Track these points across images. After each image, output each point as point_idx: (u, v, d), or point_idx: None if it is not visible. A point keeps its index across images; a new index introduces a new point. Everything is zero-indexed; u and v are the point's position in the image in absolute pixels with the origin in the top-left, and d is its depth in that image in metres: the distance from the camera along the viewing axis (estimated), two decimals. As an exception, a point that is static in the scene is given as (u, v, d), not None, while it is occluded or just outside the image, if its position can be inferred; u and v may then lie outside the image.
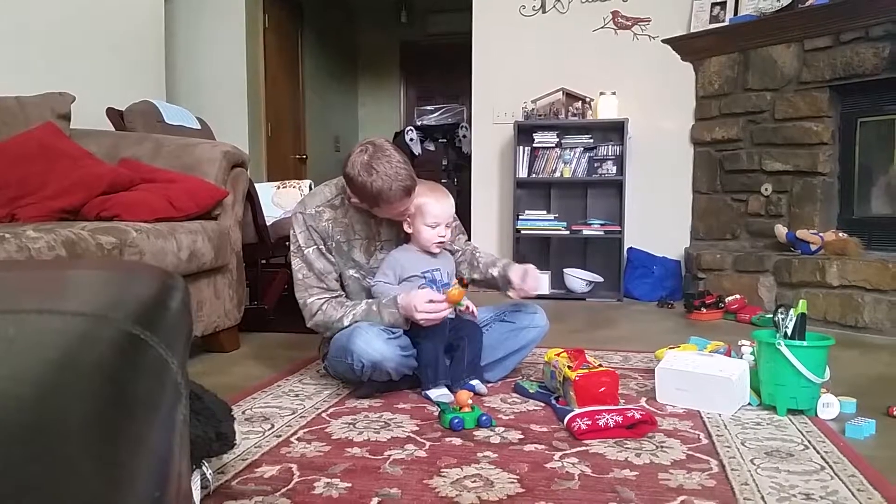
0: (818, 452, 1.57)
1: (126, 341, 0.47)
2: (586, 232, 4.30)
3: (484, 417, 1.75)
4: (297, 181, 4.08)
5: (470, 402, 1.79)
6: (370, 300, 2.07)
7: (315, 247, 2.08)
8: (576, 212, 4.46)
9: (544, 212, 4.44)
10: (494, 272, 2.22)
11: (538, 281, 2.16)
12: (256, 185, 3.24)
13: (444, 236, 2.11)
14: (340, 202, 2.13)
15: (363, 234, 2.14)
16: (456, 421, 1.72)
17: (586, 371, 1.85)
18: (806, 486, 1.38)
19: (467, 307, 2.08)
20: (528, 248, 4.52)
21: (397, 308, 1.99)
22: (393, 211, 2.03)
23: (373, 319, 2.01)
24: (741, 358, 2.12)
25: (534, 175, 4.39)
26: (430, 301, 1.96)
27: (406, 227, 2.12)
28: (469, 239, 2.51)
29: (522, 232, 4.38)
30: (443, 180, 5.85)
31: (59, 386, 0.39)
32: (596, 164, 4.34)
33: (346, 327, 2.02)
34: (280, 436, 1.68)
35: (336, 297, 2.10)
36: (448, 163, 6.17)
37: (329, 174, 3.39)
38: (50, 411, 0.37)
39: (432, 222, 2.08)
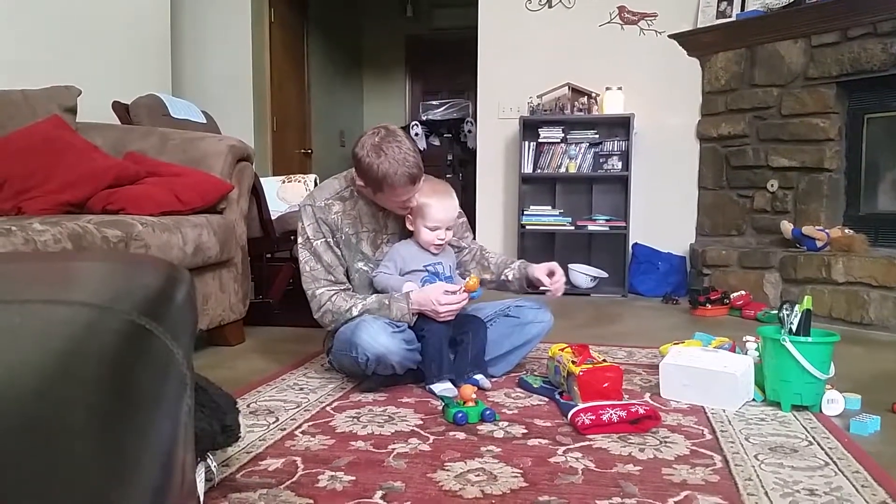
0: (822, 448, 1.57)
1: (131, 332, 0.47)
2: (591, 227, 4.29)
3: (487, 412, 1.75)
4: (302, 175, 4.09)
5: (474, 396, 1.78)
6: (380, 294, 2.07)
7: (323, 239, 2.09)
8: (581, 207, 4.45)
9: (549, 207, 4.43)
10: (510, 274, 2.25)
11: (562, 279, 2.22)
12: (262, 180, 3.25)
13: (443, 239, 2.10)
14: (350, 194, 2.13)
15: (370, 226, 2.14)
16: (460, 415, 1.72)
17: (590, 366, 1.85)
18: (810, 481, 1.38)
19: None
20: (533, 244, 4.51)
21: (408, 303, 2.00)
22: (396, 199, 2.02)
23: (382, 312, 2.01)
24: (746, 354, 2.12)
25: (539, 170, 4.39)
26: (446, 292, 1.98)
27: (408, 225, 2.13)
28: (474, 235, 2.50)
29: (527, 227, 4.37)
30: (447, 175, 5.86)
31: (64, 375, 0.39)
32: (601, 160, 4.33)
33: (355, 318, 2.02)
34: (284, 429, 1.68)
35: (345, 289, 2.11)
36: (453, 158, 6.17)
37: (334, 168, 3.38)
38: (55, 401, 0.37)
39: (432, 225, 2.08)
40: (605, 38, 4.46)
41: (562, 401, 1.86)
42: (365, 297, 2.07)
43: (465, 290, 2.01)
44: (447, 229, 2.11)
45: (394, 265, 2.10)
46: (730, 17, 4.08)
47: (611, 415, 1.67)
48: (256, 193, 3.05)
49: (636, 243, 4.32)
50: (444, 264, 2.14)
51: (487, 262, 2.30)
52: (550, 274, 2.21)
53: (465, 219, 2.36)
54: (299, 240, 2.12)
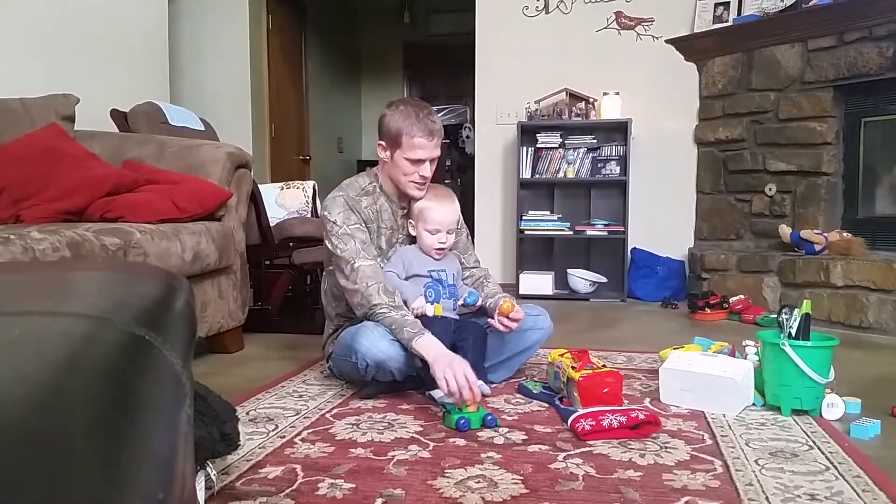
0: (823, 453, 1.57)
1: (130, 342, 0.47)
2: (590, 232, 4.30)
3: (488, 418, 1.75)
4: (300, 182, 4.08)
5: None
6: (406, 315, 1.95)
7: (356, 224, 2.08)
8: (579, 212, 4.46)
9: (548, 212, 4.44)
10: (490, 303, 2.18)
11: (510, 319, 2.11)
12: (260, 186, 3.25)
13: (444, 242, 2.11)
14: (373, 189, 2.17)
15: (388, 224, 2.17)
16: (462, 421, 1.72)
17: (590, 372, 1.85)
18: (811, 486, 1.38)
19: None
20: (532, 249, 4.52)
21: (415, 339, 1.87)
22: (413, 157, 2.03)
23: (395, 326, 1.92)
24: (745, 358, 2.12)
25: (537, 175, 4.39)
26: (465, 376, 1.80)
27: (410, 230, 2.14)
28: (474, 242, 2.49)
29: (526, 232, 4.38)
30: (446, 181, 5.85)
31: (63, 387, 0.39)
32: (599, 165, 4.34)
33: (371, 314, 1.95)
34: (284, 436, 1.68)
35: (381, 281, 2.00)
36: (451, 163, 6.16)
37: (333, 175, 3.37)
38: (54, 412, 0.37)
39: (433, 228, 2.09)
40: (603, 43, 4.47)
41: (562, 406, 1.86)
42: (392, 308, 1.95)
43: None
44: (448, 233, 2.12)
45: (402, 266, 2.11)
46: (727, 21, 4.09)
47: (611, 420, 1.67)
48: (255, 200, 3.05)
49: (635, 248, 4.32)
50: (448, 272, 2.15)
51: (483, 289, 2.25)
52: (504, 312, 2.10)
53: (466, 232, 2.35)
54: (329, 229, 2.07)
